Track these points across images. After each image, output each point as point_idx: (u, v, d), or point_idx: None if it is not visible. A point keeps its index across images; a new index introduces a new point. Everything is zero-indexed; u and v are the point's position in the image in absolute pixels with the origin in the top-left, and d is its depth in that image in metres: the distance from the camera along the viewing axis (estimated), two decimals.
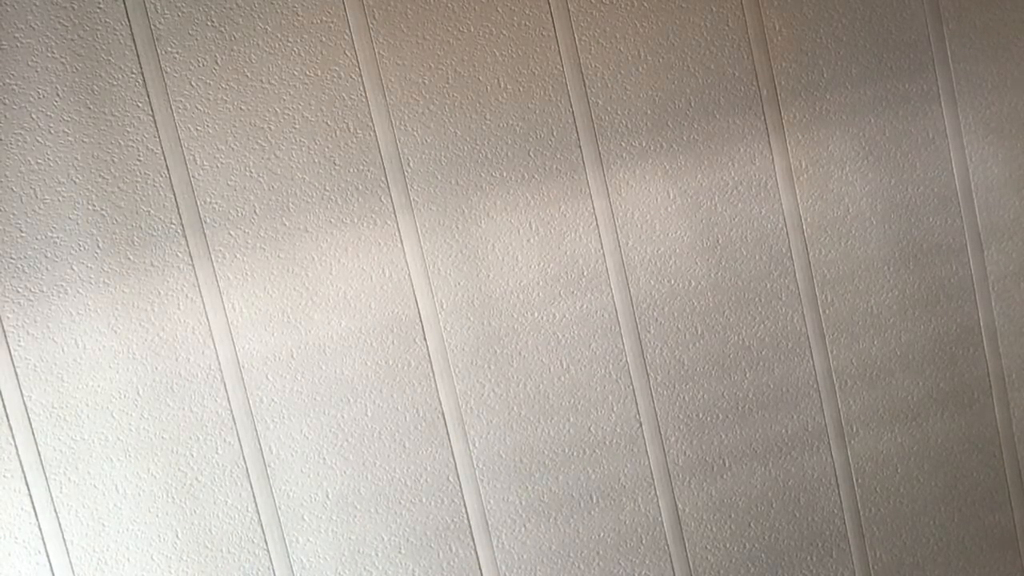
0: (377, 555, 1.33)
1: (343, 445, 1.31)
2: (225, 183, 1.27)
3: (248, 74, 1.27)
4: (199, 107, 1.26)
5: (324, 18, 1.29)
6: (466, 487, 1.36)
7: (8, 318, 1.21)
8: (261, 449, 1.28)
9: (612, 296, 1.40)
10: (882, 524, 1.52)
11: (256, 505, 1.28)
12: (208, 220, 1.26)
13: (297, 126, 1.29)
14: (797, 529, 1.48)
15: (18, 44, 1.21)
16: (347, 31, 1.30)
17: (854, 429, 1.50)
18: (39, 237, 1.22)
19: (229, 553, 1.28)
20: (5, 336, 1.21)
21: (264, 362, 1.28)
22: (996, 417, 1.56)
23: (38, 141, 1.21)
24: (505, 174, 1.35)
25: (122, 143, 1.24)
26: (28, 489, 1.23)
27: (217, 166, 1.26)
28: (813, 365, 1.48)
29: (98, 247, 1.23)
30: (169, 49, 1.25)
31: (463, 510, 1.36)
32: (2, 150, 1.21)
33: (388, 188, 1.32)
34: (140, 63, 1.24)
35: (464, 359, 1.35)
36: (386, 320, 1.32)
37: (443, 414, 1.34)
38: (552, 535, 1.39)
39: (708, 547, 1.45)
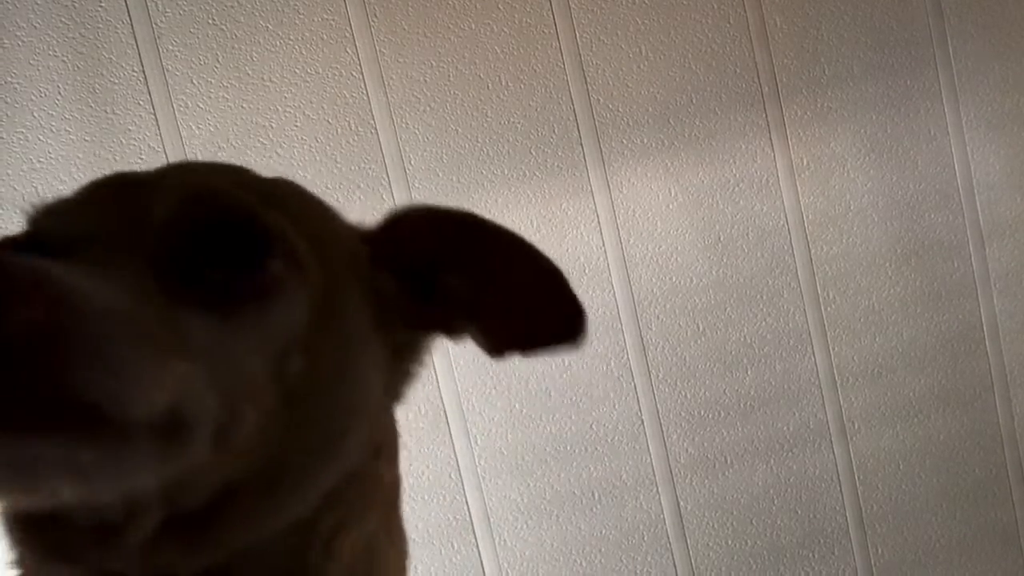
0: None
1: None
2: None
3: (249, 72, 1.27)
4: (200, 105, 1.26)
5: (325, 16, 1.29)
6: (468, 484, 1.36)
7: None
8: None
9: (614, 293, 1.40)
10: (884, 521, 1.52)
11: None
12: None
13: (298, 124, 1.29)
14: (799, 526, 1.48)
15: (20, 43, 1.21)
16: (348, 29, 1.30)
17: (856, 426, 1.50)
18: None
19: None
20: None
21: None
22: (998, 414, 1.56)
23: (40, 140, 1.22)
24: (506, 171, 1.35)
25: (124, 141, 1.24)
26: None
27: None
28: (815, 362, 1.48)
29: None
30: (170, 47, 1.25)
31: (465, 507, 1.36)
32: (4, 149, 1.21)
33: (389, 186, 1.32)
34: (142, 61, 1.24)
35: (466, 356, 1.35)
36: None
37: (445, 411, 1.35)
38: (554, 532, 1.39)
39: (710, 544, 1.45)
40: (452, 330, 0.55)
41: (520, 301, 0.55)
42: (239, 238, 0.41)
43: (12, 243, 0.43)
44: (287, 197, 0.48)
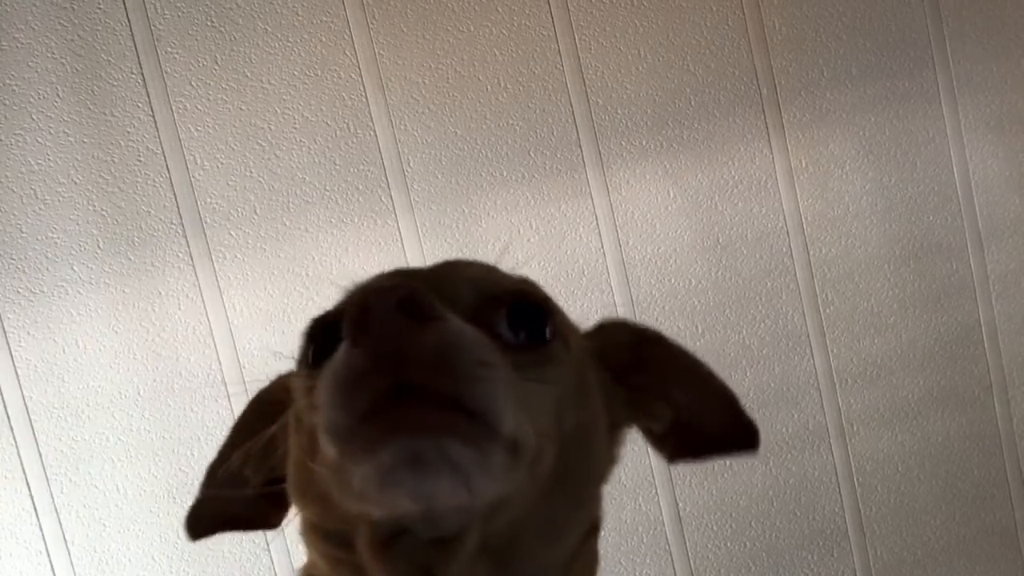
0: None
1: None
2: (225, 183, 1.27)
3: (248, 74, 1.27)
4: (199, 107, 1.26)
5: (324, 18, 1.29)
6: None
7: (9, 319, 1.22)
8: None
9: (612, 295, 1.40)
10: (883, 522, 1.52)
11: None
12: (208, 220, 1.26)
13: (297, 126, 1.29)
14: (798, 528, 1.48)
15: (18, 45, 1.21)
16: (347, 31, 1.30)
17: (855, 428, 1.50)
18: (40, 238, 1.22)
19: (230, 553, 1.28)
20: (6, 336, 1.22)
21: (265, 362, 1.28)
22: (997, 415, 1.56)
23: (38, 142, 1.21)
24: (505, 173, 1.36)
25: (122, 143, 1.24)
26: (29, 490, 1.23)
27: (217, 166, 1.27)
28: (813, 364, 1.48)
29: (99, 247, 1.24)
30: (169, 49, 1.25)
31: None
32: (2, 151, 1.21)
33: (388, 188, 1.32)
34: (140, 63, 1.24)
35: None
36: None
37: None
38: None
39: (709, 546, 1.45)
40: (643, 420, 0.64)
41: (695, 415, 0.64)
42: (531, 315, 0.52)
43: (334, 317, 0.53)
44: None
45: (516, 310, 0.51)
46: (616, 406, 0.60)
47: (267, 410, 0.60)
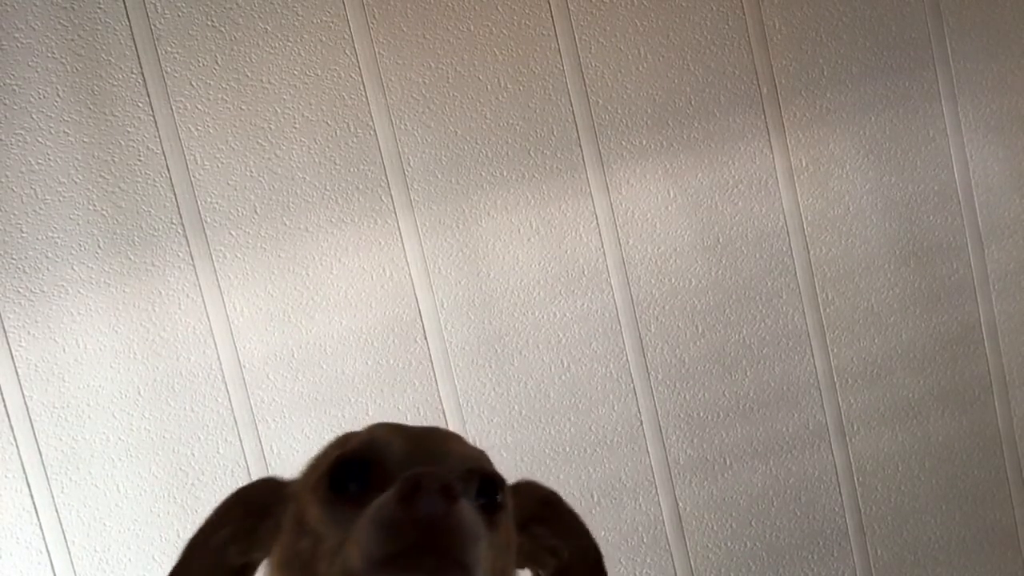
0: None
1: None
2: (226, 183, 1.27)
3: (248, 74, 1.27)
4: (199, 107, 1.26)
5: (324, 18, 1.29)
6: None
7: (9, 318, 1.22)
8: (262, 448, 1.29)
9: (613, 295, 1.40)
10: (883, 522, 1.52)
11: None
12: (209, 220, 1.27)
13: (297, 126, 1.29)
14: (798, 527, 1.48)
15: (19, 45, 1.21)
16: (347, 31, 1.30)
17: (855, 427, 1.50)
18: (40, 237, 1.22)
19: None
20: (6, 336, 1.22)
21: (265, 361, 1.28)
22: (997, 415, 1.56)
23: (39, 141, 1.22)
24: (505, 173, 1.36)
25: (123, 143, 1.24)
26: (29, 489, 1.23)
27: (217, 166, 1.27)
28: (814, 363, 1.48)
29: (99, 247, 1.24)
30: (169, 49, 1.25)
31: None
32: (3, 151, 1.21)
33: (388, 187, 1.32)
34: (140, 63, 1.24)
35: (465, 358, 1.35)
36: (387, 319, 1.32)
37: (444, 413, 1.35)
38: None
39: (709, 545, 1.45)
40: (533, 566, 0.78)
41: (571, 567, 0.78)
42: (490, 486, 0.70)
43: (353, 455, 0.68)
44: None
45: (483, 481, 0.69)
46: (520, 553, 0.74)
47: (252, 508, 0.76)
